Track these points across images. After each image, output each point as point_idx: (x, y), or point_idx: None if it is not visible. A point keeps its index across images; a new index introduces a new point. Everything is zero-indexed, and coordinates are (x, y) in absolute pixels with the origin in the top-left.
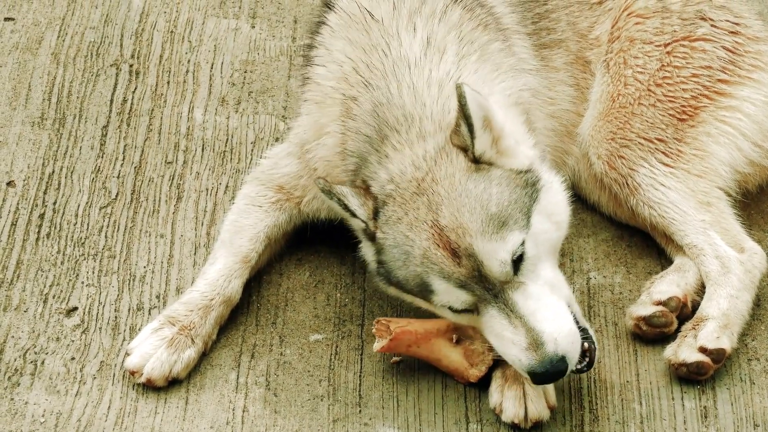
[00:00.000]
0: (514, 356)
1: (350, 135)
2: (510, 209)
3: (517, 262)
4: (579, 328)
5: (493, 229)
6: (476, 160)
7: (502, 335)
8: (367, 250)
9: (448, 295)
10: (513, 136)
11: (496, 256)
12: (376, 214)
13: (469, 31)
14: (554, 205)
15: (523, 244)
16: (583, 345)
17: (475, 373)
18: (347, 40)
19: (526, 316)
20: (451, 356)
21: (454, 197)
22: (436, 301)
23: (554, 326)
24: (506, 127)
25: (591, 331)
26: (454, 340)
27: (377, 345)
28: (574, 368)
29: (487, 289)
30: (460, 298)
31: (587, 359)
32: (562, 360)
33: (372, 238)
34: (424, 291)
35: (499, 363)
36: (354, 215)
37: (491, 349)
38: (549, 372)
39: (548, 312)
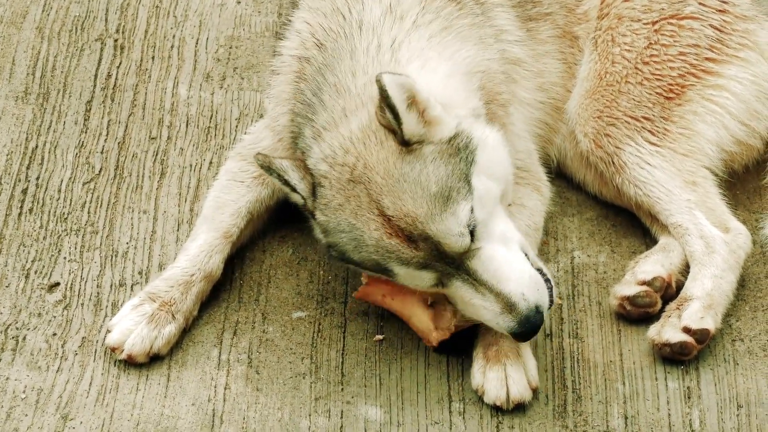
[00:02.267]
0: (491, 320)
1: (297, 98)
2: (450, 182)
3: (473, 231)
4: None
5: (441, 208)
6: (407, 143)
7: (473, 303)
8: (315, 229)
9: (411, 278)
10: (442, 103)
11: (452, 233)
12: (314, 190)
13: (437, 2)
14: (491, 161)
15: (472, 211)
16: None
17: (436, 336)
18: (310, 9)
19: (489, 281)
20: (421, 316)
21: (393, 184)
22: (400, 281)
23: (517, 282)
24: (431, 98)
25: (546, 270)
26: (429, 302)
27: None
28: (546, 313)
29: (449, 263)
30: (424, 278)
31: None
32: (537, 311)
33: (312, 215)
34: (385, 273)
35: (479, 343)
36: (294, 190)
37: (456, 314)
38: (529, 329)
39: (507, 268)
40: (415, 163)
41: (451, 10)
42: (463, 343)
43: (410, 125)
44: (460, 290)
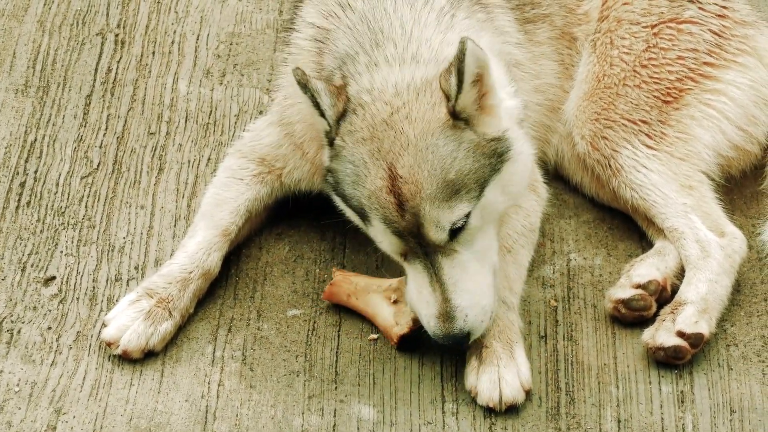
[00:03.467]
0: (423, 316)
1: (327, 52)
2: (468, 179)
3: (457, 231)
4: None
5: (445, 196)
6: (455, 115)
7: (420, 292)
8: (324, 153)
9: (383, 237)
10: (499, 93)
11: (437, 223)
12: (342, 117)
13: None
14: (513, 176)
15: (468, 215)
16: None
17: (396, 331)
18: (320, 2)
19: (447, 284)
20: (384, 314)
21: (420, 149)
22: (371, 232)
23: (470, 301)
24: (496, 86)
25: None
26: (392, 300)
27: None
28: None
29: (421, 245)
30: (393, 243)
31: None
32: (467, 336)
33: (331, 143)
34: (363, 218)
35: (473, 344)
36: (322, 114)
37: None
38: (450, 345)
39: (470, 284)
40: (450, 141)
41: (471, 5)
42: None
43: (466, 100)
44: (417, 273)
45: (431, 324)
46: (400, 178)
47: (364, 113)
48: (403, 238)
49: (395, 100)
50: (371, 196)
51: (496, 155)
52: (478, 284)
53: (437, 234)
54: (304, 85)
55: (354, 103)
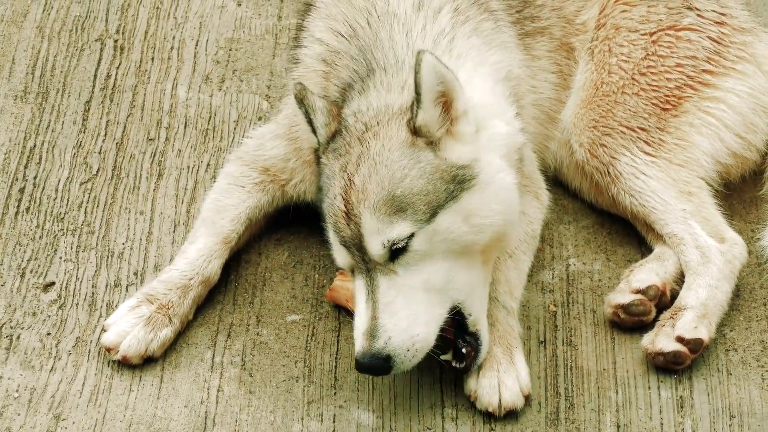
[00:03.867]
0: (354, 332)
1: (333, 78)
2: (416, 199)
3: (398, 252)
4: (469, 332)
5: (387, 211)
6: (415, 131)
7: (357, 307)
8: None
9: (334, 247)
10: (489, 121)
11: (374, 237)
12: (332, 138)
13: (463, 3)
14: (479, 207)
15: (411, 237)
16: (465, 347)
17: None
18: (329, 17)
19: (379, 302)
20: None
21: (377, 161)
22: (330, 245)
23: (397, 326)
24: (471, 113)
25: (482, 339)
26: None
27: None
28: (403, 369)
29: (363, 260)
30: (342, 256)
31: (465, 363)
32: (387, 359)
33: (318, 161)
34: (325, 229)
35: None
36: (314, 131)
37: None
38: (367, 365)
39: (403, 309)
40: (407, 157)
41: (479, 16)
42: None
43: (427, 117)
44: (358, 289)
45: (356, 341)
46: (354, 186)
47: (345, 132)
48: (349, 250)
49: (372, 121)
50: (329, 204)
51: (456, 182)
52: (414, 313)
53: (376, 248)
54: (301, 100)
55: (343, 124)
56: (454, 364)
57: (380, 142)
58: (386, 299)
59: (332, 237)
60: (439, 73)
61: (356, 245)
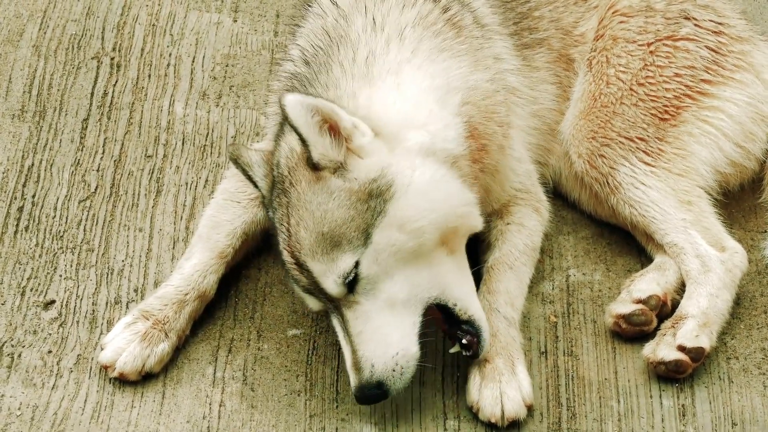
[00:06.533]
0: (347, 367)
1: None
2: (344, 229)
3: (352, 283)
4: (463, 321)
5: (324, 250)
6: (315, 167)
7: (341, 344)
8: None
9: (301, 298)
10: (398, 123)
11: (325, 278)
12: (272, 189)
13: (433, 24)
14: (412, 212)
15: (357, 265)
16: (465, 337)
17: None
18: (303, 35)
19: (353, 335)
20: None
21: (299, 207)
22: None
23: (374, 352)
24: (361, 126)
25: (479, 323)
26: None
27: None
28: (400, 388)
29: (328, 300)
30: (310, 303)
31: (471, 351)
32: (379, 385)
33: (267, 211)
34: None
35: (476, 360)
36: (255, 186)
37: None
38: (365, 396)
39: (375, 335)
40: (320, 194)
41: (450, 35)
42: (458, 359)
43: (320, 149)
44: (336, 326)
45: (350, 376)
46: (290, 237)
47: (276, 182)
48: (313, 295)
49: (286, 171)
50: (282, 259)
51: (374, 196)
52: (384, 334)
53: (331, 287)
54: (235, 161)
55: (273, 174)
56: (463, 353)
57: (295, 188)
58: (356, 330)
59: (295, 288)
60: (308, 106)
61: (317, 289)
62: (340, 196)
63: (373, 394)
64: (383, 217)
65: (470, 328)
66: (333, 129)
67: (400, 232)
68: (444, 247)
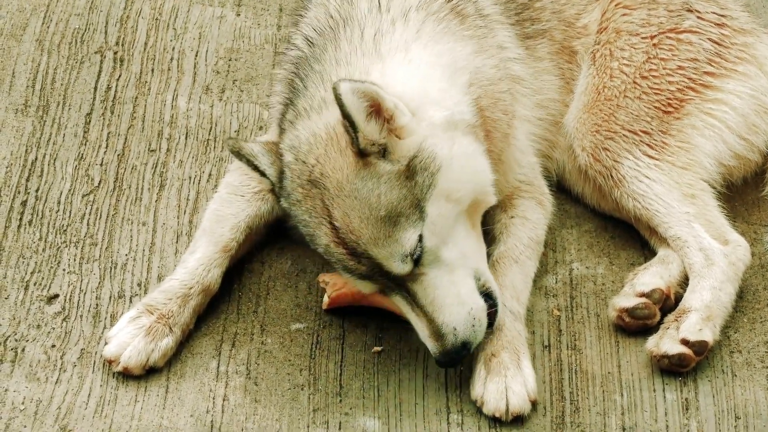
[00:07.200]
0: (422, 338)
1: (288, 89)
2: (400, 207)
3: (419, 258)
4: (481, 292)
5: (386, 234)
6: (362, 153)
7: (410, 318)
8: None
9: (354, 283)
10: (417, 100)
11: (392, 260)
12: (282, 173)
13: (438, 11)
14: (455, 182)
15: (420, 239)
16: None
17: None
18: (310, 19)
19: (425, 306)
20: (384, 302)
21: (344, 198)
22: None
23: (452, 316)
24: (400, 104)
25: (496, 293)
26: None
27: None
28: (480, 341)
29: (390, 279)
30: (366, 286)
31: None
32: (463, 347)
33: (278, 200)
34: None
35: (481, 354)
36: (264, 175)
37: None
38: (452, 360)
39: (447, 299)
40: (368, 180)
41: (454, 21)
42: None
43: (369, 135)
44: (399, 303)
45: (429, 345)
46: (340, 229)
47: (291, 174)
48: (371, 280)
49: (310, 158)
50: (326, 251)
51: (420, 171)
52: (456, 295)
53: (400, 267)
54: (238, 153)
55: (284, 162)
56: None
57: (334, 177)
58: (429, 299)
59: (346, 274)
60: (360, 92)
61: (378, 273)
62: (390, 179)
63: (459, 356)
64: (433, 189)
65: (489, 300)
66: (377, 110)
67: (447, 201)
68: (469, 221)
